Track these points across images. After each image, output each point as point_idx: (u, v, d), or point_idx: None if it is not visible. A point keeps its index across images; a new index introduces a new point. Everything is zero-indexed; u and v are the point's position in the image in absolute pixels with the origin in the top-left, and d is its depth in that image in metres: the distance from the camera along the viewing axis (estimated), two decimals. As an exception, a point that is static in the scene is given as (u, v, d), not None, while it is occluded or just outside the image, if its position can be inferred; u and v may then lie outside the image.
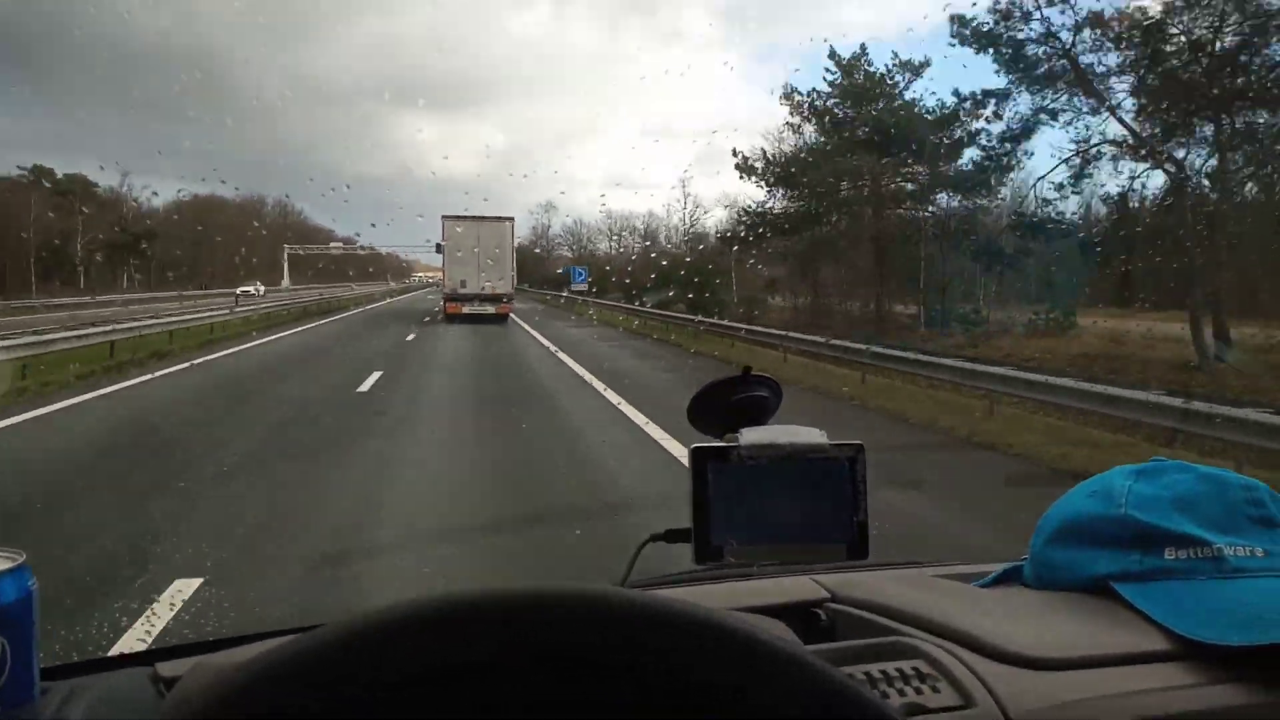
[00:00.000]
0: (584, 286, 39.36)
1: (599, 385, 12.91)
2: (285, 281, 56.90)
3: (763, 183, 30.76)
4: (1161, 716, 0.77)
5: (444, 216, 30.80)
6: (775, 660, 0.53)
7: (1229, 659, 0.80)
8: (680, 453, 7.27)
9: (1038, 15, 20.86)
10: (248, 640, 1.06)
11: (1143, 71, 19.42)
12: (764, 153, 30.88)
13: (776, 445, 0.99)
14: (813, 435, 1.01)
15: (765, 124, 74.22)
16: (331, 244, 66.68)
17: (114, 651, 3.51)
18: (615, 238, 62.05)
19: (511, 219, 31.93)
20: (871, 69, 30.17)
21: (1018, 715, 0.78)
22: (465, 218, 30.85)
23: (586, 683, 0.52)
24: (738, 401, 1.08)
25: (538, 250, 69.75)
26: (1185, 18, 18.72)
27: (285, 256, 63.32)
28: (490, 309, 28.66)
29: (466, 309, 28.39)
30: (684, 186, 55.01)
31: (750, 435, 1.00)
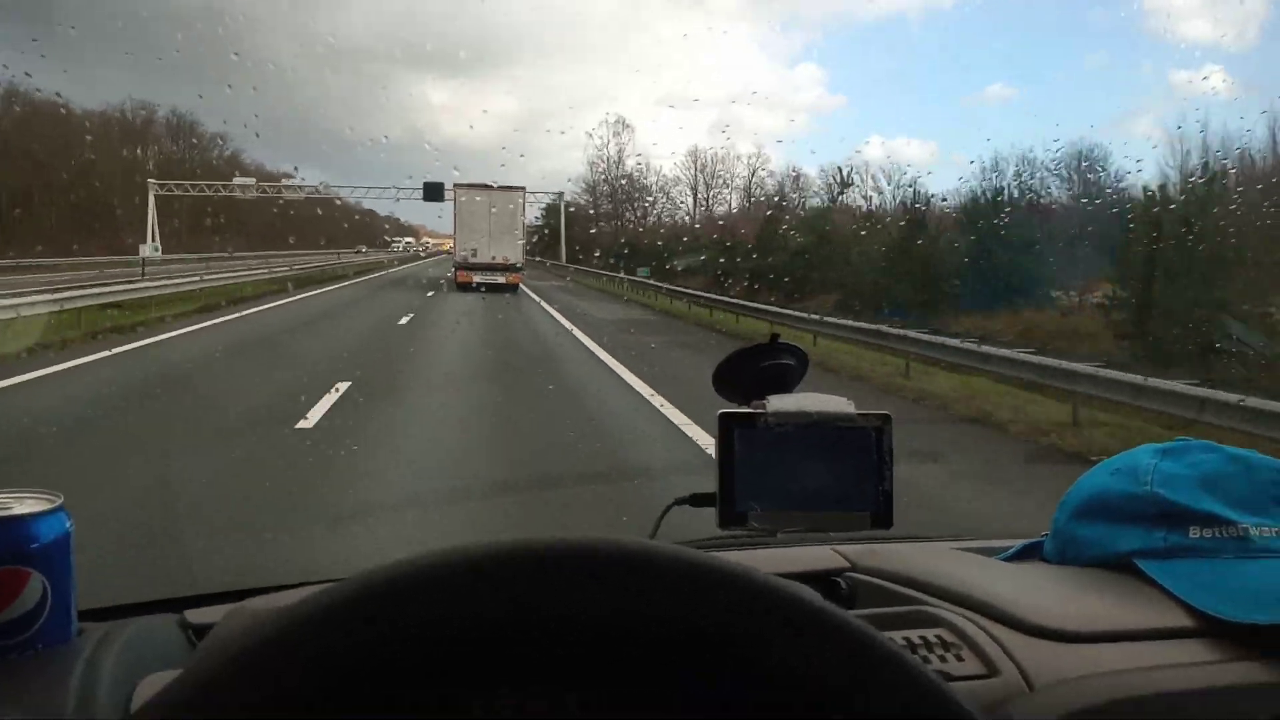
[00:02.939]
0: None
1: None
2: (148, 248, 31.43)
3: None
4: (1184, 691, 0.78)
5: (455, 185, 30.72)
6: (820, 622, 0.53)
7: (1252, 636, 0.81)
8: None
9: None
10: (272, 590, 1.07)
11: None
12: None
13: (804, 413, 0.99)
14: (840, 404, 1.01)
15: (784, 95, 71.78)
16: (237, 180, 40.75)
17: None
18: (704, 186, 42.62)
19: (523, 188, 31.76)
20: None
21: (1041, 686, 0.79)
22: (476, 186, 30.73)
23: (638, 636, 0.53)
24: (764, 369, 1.08)
25: (606, 203, 45.49)
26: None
27: (152, 202, 36.76)
28: (501, 278, 28.51)
29: (477, 278, 28.25)
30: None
31: (777, 402, 1.01)
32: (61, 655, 0.79)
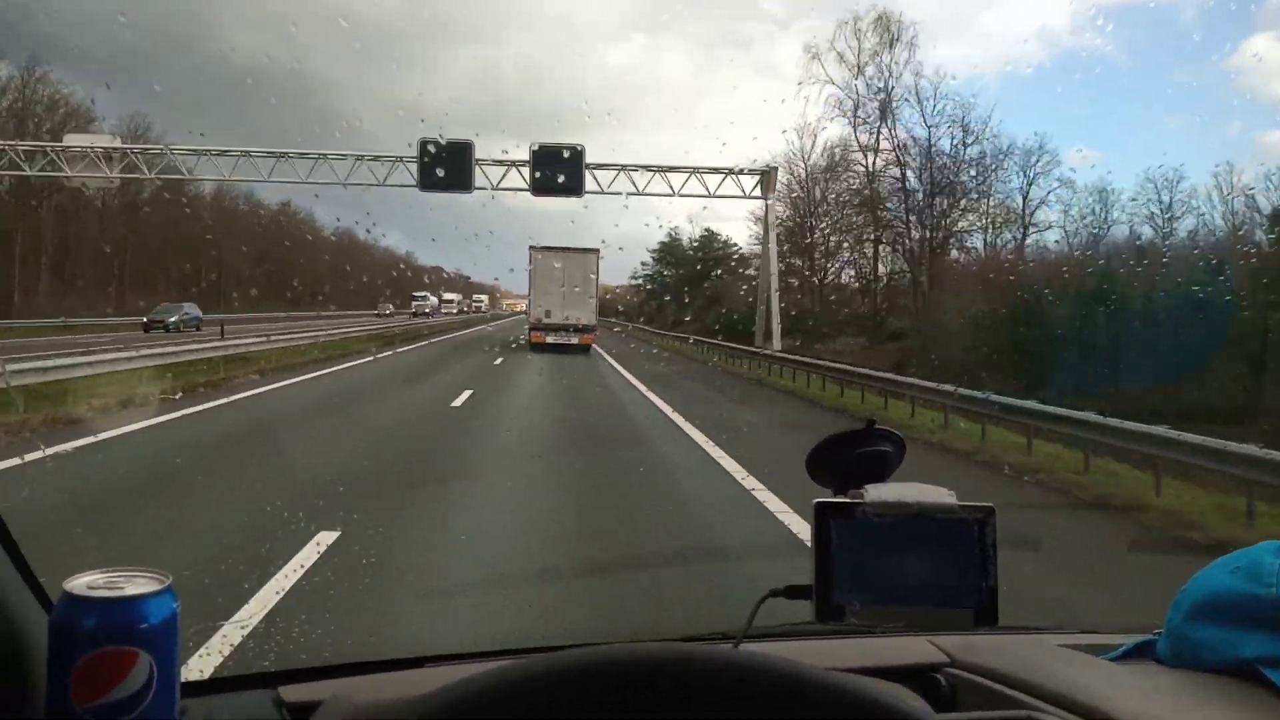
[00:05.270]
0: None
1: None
2: None
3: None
4: None
5: (531, 246, 31.28)
6: None
7: None
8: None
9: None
10: (365, 670, 1.08)
11: None
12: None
13: (904, 503, 0.97)
14: (941, 495, 0.98)
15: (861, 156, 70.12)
16: (70, 138, 28.48)
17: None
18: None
19: (597, 250, 32.12)
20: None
21: None
22: (551, 249, 31.25)
23: None
24: (860, 455, 1.06)
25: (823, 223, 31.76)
26: None
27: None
28: (574, 339, 28.87)
29: (551, 338, 28.67)
30: None
31: (876, 492, 0.98)
32: None
